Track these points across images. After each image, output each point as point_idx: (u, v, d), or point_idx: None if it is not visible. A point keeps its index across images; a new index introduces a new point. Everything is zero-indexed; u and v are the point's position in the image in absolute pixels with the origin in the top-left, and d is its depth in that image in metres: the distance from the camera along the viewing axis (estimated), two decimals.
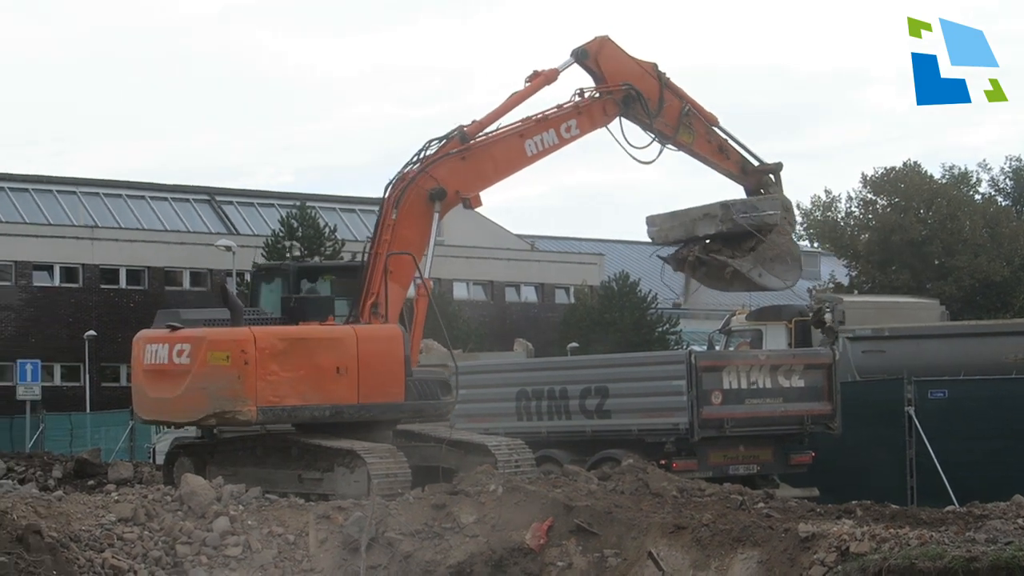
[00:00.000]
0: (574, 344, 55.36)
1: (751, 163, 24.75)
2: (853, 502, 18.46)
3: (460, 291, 69.09)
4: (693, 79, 26.08)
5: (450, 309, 53.72)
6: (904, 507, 18.89)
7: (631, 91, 23.37)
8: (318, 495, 19.87)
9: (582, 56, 23.36)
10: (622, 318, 59.24)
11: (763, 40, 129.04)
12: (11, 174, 67.47)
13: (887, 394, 26.69)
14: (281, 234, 57.95)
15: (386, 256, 21.51)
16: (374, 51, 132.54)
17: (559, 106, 23.13)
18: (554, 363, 30.24)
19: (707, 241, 24.64)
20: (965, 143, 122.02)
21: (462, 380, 21.83)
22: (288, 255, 52.26)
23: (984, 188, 68.91)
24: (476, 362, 30.16)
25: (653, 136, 23.72)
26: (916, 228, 60.18)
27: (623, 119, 23.51)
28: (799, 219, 66.46)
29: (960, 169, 66.85)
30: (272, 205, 71.05)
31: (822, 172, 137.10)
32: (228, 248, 50.96)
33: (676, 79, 23.97)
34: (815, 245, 72.54)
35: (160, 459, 29.83)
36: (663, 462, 22.89)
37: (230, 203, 71.86)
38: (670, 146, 23.98)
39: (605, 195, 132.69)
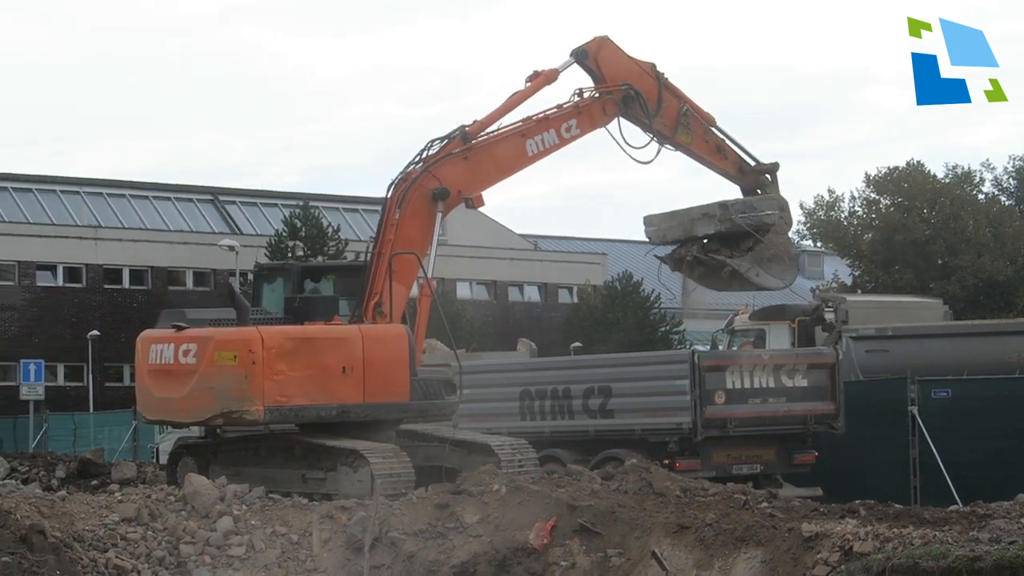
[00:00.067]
0: (577, 344, 55.30)
1: (748, 163, 24.82)
2: (856, 502, 18.45)
3: (463, 291, 69.06)
4: (693, 79, 26.18)
5: (453, 309, 53.66)
6: (908, 507, 18.90)
7: (630, 91, 23.44)
8: (321, 495, 19.88)
9: (582, 56, 23.42)
10: (625, 318, 59.20)
11: (763, 40, 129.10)
12: (14, 174, 67.48)
13: (890, 394, 26.69)
14: (284, 234, 57.99)
15: (390, 256, 21.53)
16: (374, 51, 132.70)
17: (559, 106, 23.19)
18: (557, 363, 30.24)
19: (705, 241, 24.67)
20: (965, 143, 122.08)
21: (465, 380, 21.84)
22: (291, 255, 52.37)
23: (987, 188, 68.95)
24: (479, 362, 30.13)
25: (652, 136, 23.76)
26: (919, 228, 60.17)
27: (622, 119, 23.56)
28: (802, 218, 66.59)
29: (963, 168, 66.89)
30: (275, 205, 71.03)
31: (822, 172, 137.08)
32: (231, 248, 50.93)
33: (676, 79, 24.08)
34: (818, 245, 72.54)
35: (164, 459, 29.85)
36: (666, 462, 22.90)
37: (233, 203, 71.85)
38: (668, 146, 24.07)
39: (605, 195, 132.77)
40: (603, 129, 23.52)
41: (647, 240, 25.81)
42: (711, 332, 38.50)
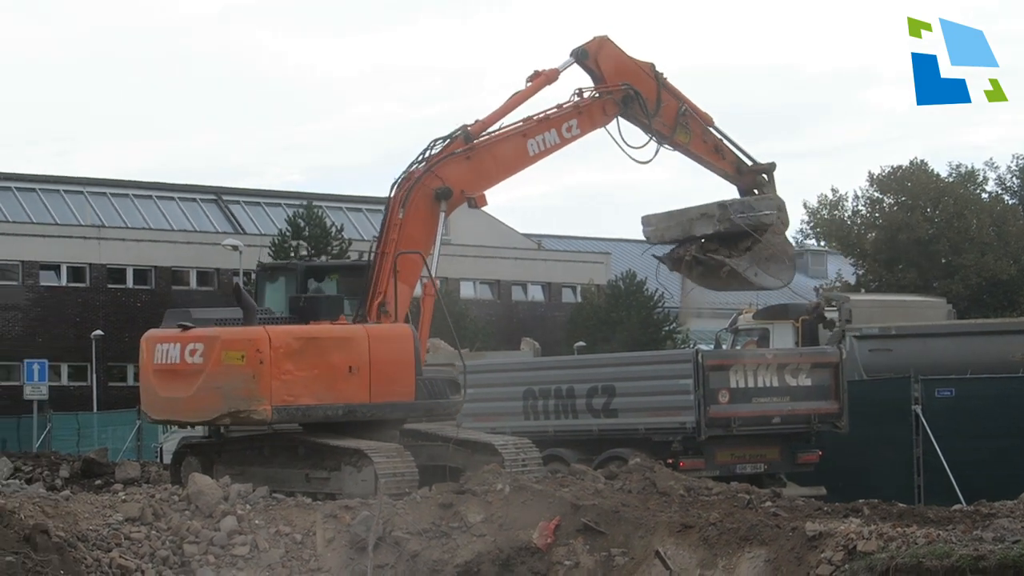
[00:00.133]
0: (581, 343, 55.29)
1: (745, 163, 24.85)
2: (860, 501, 18.46)
3: (467, 290, 69.10)
4: (694, 79, 26.24)
5: (457, 308, 53.71)
6: (911, 506, 18.91)
7: (630, 91, 23.48)
8: (325, 494, 19.88)
9: (582, 56, 23.46)
10: (629, 317, 59.19)
11: (764, 40, 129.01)
12: (18, 174, 67.54)
13: (894, 393, 26.70)
14: (288, 233, 58.04)
15: (395, 255, 21.55)
16: (374, 51, 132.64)
17: (559, 106, 23.23)
18: (561, 362, 30.25)
19: (703, 241, 24.68)
20: (965, 143, 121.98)
21: (469, 379, 21.84)
22: (294, 254, 52.42)
23: (991, 187, 68.96)
24: (483, 361, 30.15)
25: (651, 136, 23.79)
26: (923, 227, 60.17)
27: (621, 119, 23.59)
28: (806, 218, 66.66)
29: (967, 168, 66.90)
30: (279, 205, 71.05)
31: (823, 172, 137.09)
32: (235, 248, 50.96)
33: (677, 79, 24.12)
34: (822, 244, 72.55)
35: (167, 458, 29.84)
36: (670, 461, 22.89)
37: (237, 203, 71.88)
38: (667, 146, 24.10)
39: (606, 195, 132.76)
40: (603, 129, 23.56)
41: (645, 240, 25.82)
42: (710, 332, 38.53)
